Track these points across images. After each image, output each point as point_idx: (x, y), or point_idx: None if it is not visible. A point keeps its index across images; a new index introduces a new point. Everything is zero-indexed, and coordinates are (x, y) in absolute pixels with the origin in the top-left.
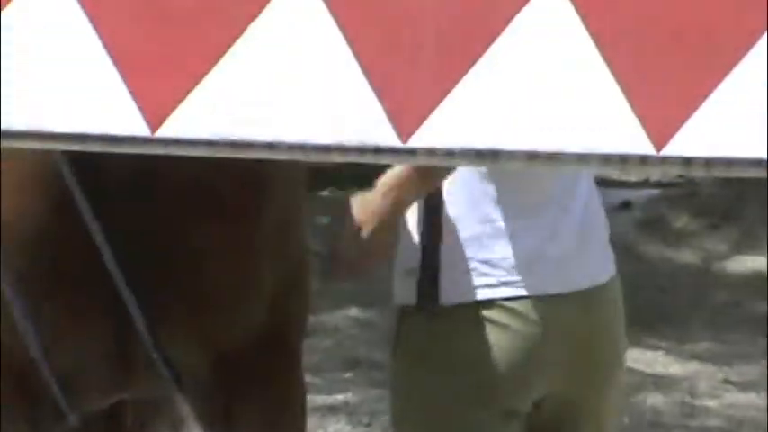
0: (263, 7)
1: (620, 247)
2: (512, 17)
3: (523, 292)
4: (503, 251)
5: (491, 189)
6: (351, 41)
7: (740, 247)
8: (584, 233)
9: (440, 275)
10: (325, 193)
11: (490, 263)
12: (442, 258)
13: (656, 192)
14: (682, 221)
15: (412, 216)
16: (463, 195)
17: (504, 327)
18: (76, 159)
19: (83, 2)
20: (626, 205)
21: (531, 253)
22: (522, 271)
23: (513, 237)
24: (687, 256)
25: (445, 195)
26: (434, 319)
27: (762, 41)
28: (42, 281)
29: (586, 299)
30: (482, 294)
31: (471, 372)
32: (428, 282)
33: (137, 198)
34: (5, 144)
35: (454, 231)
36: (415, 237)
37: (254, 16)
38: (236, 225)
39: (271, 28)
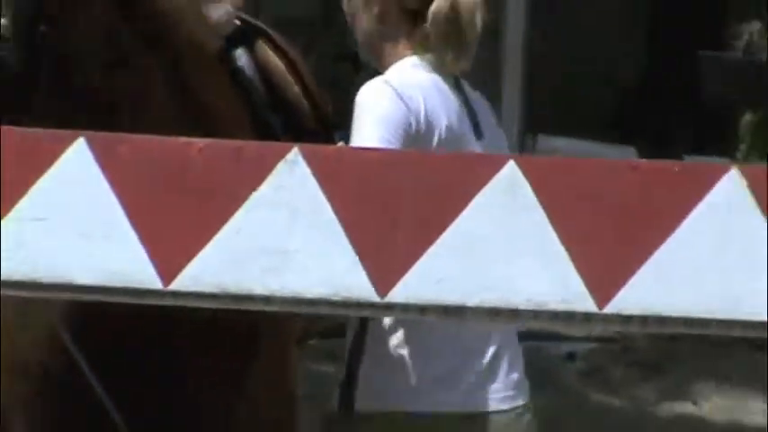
0: (262, 181)
1: (565, 393)
2: (477, 191)
3: (437, 408)
4: (421, 366)
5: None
6: (337, 211)
7: (668, 395)
8: (497, 357)
9: (358, 383)
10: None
11: (408, 376)
12: (362, 367)
13: (595, 345)
14: (619, 372)
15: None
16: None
17: None
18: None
19: (109, 176)
20: (570, 356)
21: (447, 370)
22: (436, 387)
23: (431, 354)
24: (622, 402)
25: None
26: (352, 427)
27: (695, 213)
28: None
29: (498, 421)
30: (397, 406)
31: None
32: (348, 389)
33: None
34: (30, 294)
35: (379, 342)
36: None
37: (254, 189)
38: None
39: (268, 199)
